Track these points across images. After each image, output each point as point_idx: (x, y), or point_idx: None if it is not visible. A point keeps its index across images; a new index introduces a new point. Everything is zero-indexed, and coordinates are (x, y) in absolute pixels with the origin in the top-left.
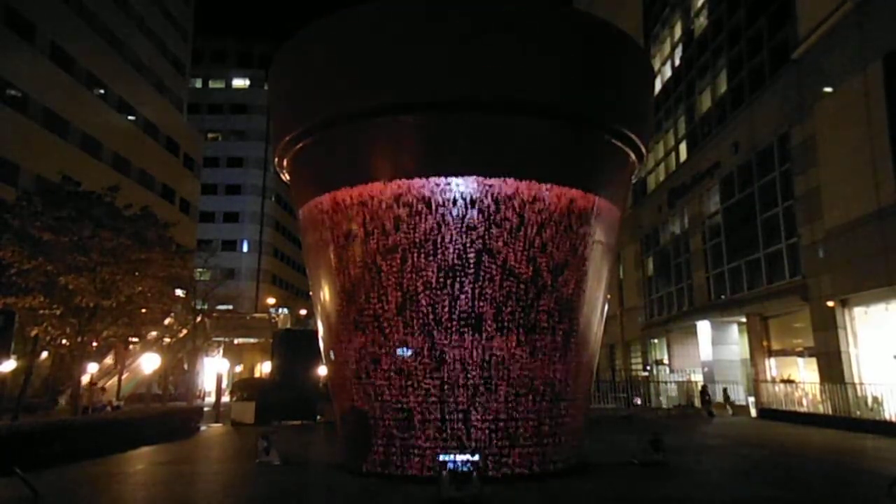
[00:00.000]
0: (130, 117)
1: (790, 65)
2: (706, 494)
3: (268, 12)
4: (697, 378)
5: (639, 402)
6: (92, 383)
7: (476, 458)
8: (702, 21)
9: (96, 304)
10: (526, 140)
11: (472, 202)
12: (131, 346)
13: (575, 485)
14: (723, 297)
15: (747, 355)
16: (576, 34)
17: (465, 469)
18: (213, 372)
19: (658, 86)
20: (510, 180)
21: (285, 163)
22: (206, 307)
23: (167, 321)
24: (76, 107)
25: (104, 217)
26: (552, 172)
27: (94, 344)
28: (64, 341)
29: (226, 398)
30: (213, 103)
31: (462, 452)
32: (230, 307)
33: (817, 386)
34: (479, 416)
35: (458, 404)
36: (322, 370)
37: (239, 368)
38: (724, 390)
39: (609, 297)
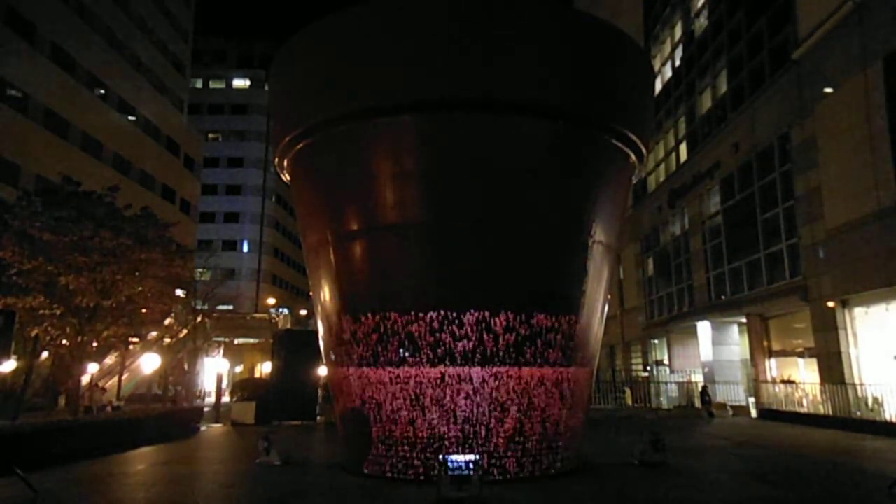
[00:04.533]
0: (131, 117)
1: (790, 65)
2: (706, 495)
3: (268, 12)
4: (698, 378)
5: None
6: (93, 384)
7: (476, 458)
8: (702, 21)
9: (96, 304)
10: (526, 141)
11: None
12: (131, 347)
13: (575, 485)
14: (723, 297)
15: (747, 356)
16: (576, 34)
17: (464, 469)
18: (213, 372)
19: (658, 86)
20: None
21: (286, 163)
22: (206, 307)
23: (167, 321)
24: (76, 107)
25: (104, 217)
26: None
27: (94, 344)
28: (64, 341)
29: (226, 398)
30: (214, 103)
31: (462, 453)
32: (230, 307)
33: (817, 386)
34: (479, 418)
35: (457, 406)
36: (322, 370)
37: (239, 369)
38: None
39: (609, 297)
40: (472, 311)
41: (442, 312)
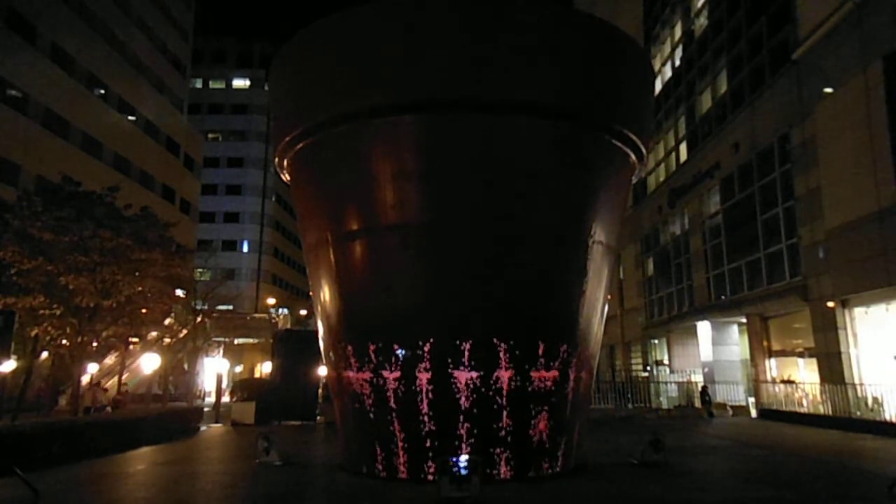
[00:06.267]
0: (131, 117)
1: (790, 65)
2: (706, 495)
3: (268, 12)
4: (698, 378)
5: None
6: (93, 383)
7: (476, 458)
8: (702, 21)
9: (96, 304)
10: (526, 141)
11: None
12: (131, 346)
13: (575, 485)
14: (723, 297)
15: (747, 356)
16: (576, 34)
17: (464, 469)
18: (213, 372)
19: (658, 86)
20: None
21: (285, 163)
22: (206, 307)
23: (167, 321)
24: (76, 107)
25: (104, 217)
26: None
27: (94, 344)
28: (64, 341)
29: (226, 398)
30: (214, 103)
31: (462, 453)
32: (230, 307)
33: (817, 386)
34: (478, 418)
35: (457, 406)
36: (322, 370)
37: (239, 369)
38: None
39: (609, 297)
40: (472, 311)
41: (441, 313)
